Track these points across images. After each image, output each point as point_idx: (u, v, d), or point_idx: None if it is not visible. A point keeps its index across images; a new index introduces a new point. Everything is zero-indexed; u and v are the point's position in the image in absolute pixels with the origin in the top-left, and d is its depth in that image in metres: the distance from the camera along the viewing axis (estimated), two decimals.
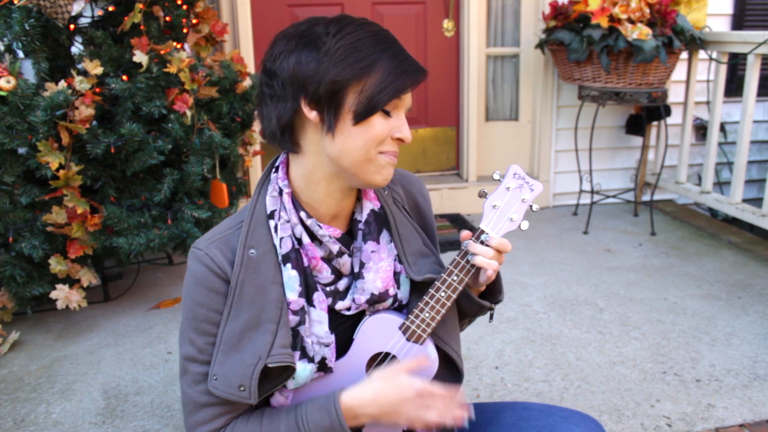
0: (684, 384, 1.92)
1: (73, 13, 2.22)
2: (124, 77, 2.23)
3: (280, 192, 1.03)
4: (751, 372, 1.97)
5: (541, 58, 3.54)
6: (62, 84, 2.05)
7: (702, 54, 3.33)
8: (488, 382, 1.94)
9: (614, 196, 3.57)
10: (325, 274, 1.05)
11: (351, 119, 0.95)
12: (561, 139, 3.67)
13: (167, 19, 2.40)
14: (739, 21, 3.69)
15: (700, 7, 3.16)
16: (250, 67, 3.17)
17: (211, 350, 1.00)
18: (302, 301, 1.01)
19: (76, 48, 2.40)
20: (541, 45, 3.34)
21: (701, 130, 3.78)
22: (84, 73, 2.22)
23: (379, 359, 1.08)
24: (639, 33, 2.90)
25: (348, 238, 1.08)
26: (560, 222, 3.46)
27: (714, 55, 3.24)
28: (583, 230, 3.29)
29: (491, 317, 1.18)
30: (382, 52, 0.95)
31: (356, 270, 1.07)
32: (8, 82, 2.00)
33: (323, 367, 1.03)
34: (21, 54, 2.23)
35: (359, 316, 1.08)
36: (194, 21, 2.57)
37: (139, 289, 2.66)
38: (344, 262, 1.06)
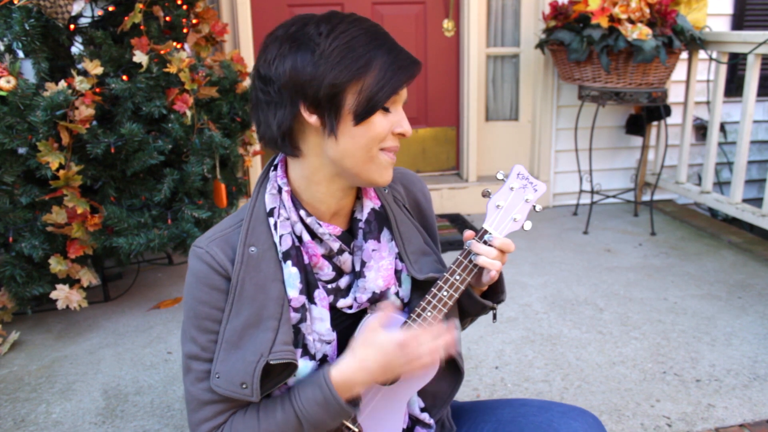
0: (684, 384, 1.92)
1: (73, 13, 2.22)
2: (124, 77, 2.23)
3: (279, 190, 1.03)
4: (751, 372, 1.97)
5: (541, 58, 3.54)
6: (62, 84, 2.05)
7: (702, 54, 3.33)
8: (488, 382, 1.95)
9: (614, 196, 3.57)
10: (326, 271, 1.05)
11: (352, 120, 0.95)
12: (561, 139, 3.67)
13: (167, 19, 2.40)
14: (739, 21, 3.69)
15: (700, 7, 3.16)
16: (250, 67, 3.16)
17: (213, 348, 1.00)
18: (303, 299, 1.01)
19: (76, 48, 2.40)
20: (541, 45, 3.34)
21: (701, 130, 3.78)
22: (84, 73, 2.22)
23: None
24: (639, 33, 2.90)
25: (348, 236, 1.08)
26: (560, 222, 3.46)
27: (714, 55, 3.24)
28: (583, 230, 3.29)
29: (494, 317, 1.18)
30: (377, 49, 0.94)
31: (357, 269, 1.07)
32: (8, 82, 2.00)
33: (325, 365, 1.03)
34: (21, 54, 2.23)
35: (361, 315, 1.08)
36: (194, 21, 2.57)
37: (139, 289, 2.66)
38: (345, 260, 1.06)
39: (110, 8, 2.34)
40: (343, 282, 1.07)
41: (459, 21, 3.54)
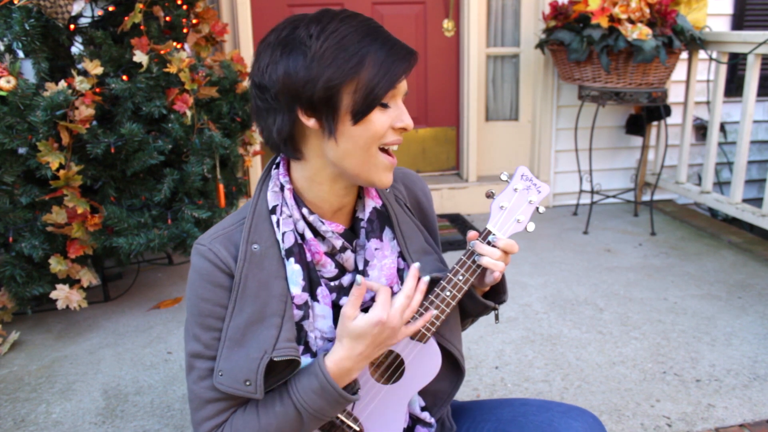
0: (684, 384, 1.92)
1: (73, 13, 2.22)
2: (124, 77, 2.23)
3: (282, 188, 1.03)
4: (751, 372, 1.97)
5: (541, 58, 3.54)
6: (62, 84, 2.05)
7: (702, 54, 3.34)
8: (488, 382, 1.94)
9: (614, 196, 3.57)
10: (328, 268, 1.05)
11: (350, 120, 0.94)
12: (561, 139, 3.67)
13: (167, 19, 2.40)
14: (739, 21, 3.69)
15: (700, 7, 3.16)
16: (250, 67, 3.17)
17: (216, 346, 1.00)
18: (306, 296, 1.02)
19: (76, 48, 2.40)
20: (541, 45, 3.34)
21: (701, 130, 3.78)
22: (84, 73, 2.22)
23: (382, 357, 1.08)
24: (639, 33, 2.90)
25: (351, 234, 1.08)
26: (560, 222, 3.46)
27: (714, 55, 3.24)
28: (583, 230, 3.29)
29: (497, 318, 1.19)
30: (370, 45, 0.93)
31: (360, 267, 1.07)
32: (8, 82, 2.00)
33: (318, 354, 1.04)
34: (21, 54, 2.23)
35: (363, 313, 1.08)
36: (194, 21, 2.57)
37: (139, 289, 2.66)
38: (347, 258, 1.07)
39: (110, 8, 2.34)
40: (346, 280, 1.07)
41: (459, 21, 3.54)
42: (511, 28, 3.59)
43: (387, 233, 1.09)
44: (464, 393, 1.87)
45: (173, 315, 2.43)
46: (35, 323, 2.38)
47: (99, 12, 2.39)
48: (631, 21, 2.95)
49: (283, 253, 1.01)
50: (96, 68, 2.14)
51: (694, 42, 3.11)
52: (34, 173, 2.11)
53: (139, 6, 2.22)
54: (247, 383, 0.96)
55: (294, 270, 1.01)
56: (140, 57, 2.20)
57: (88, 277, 2.23)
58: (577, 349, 2.13)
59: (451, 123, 3.71)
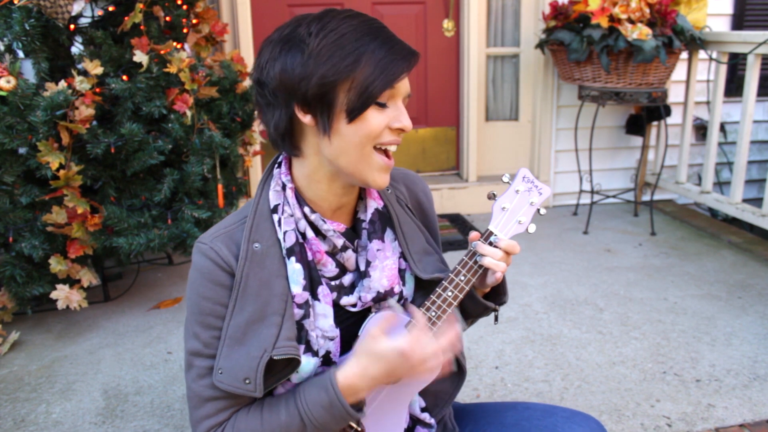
0: (684, 384, 1.92)
1: (73, 13, 2.22)
2: (124, 77, 2.23)
3: (283, 187, 1.04)
4: (751, 372, 1.97)
5: (541, 58, 3.54)
6: (62, 84, 2.05)
7: (702, 54, 3.33)
8: (488, 382, 1.94)
9: (614, 196, 3.57)
10: (329, 267, 1.06)
11: (345, 118, 0.94)
12: (561, 139, 3.67)
13: (167, 19, 2.40)
14: (739, 21, 3.69)
15: (700, 7, 3.16)
16: (250, 67, 3.16)
17: (216, 344, 1.00)
18: (306, 295, 1.02)
19: (76, 48, 2.40)
20: (541, 45, 3.34)
21: (701, 130, 3.78)
22: (84, 73, 2.22)
23: None
24: (639, 33, 2.90)
25: (352, 234, 1.09)
26: (560, 222, 3.46)
27: (714, 55, 3.24)
28: (583, 230, 3.29)
29: (496, 318, 1.19)
30: (368, 44, 0.93)
31: (362, 268, 1.07)
32: (8, 82, 2.00)
33: (327, 361, 1.04)
34: (21, 54, 2.23)
35: (365, 313, 1.08)
36: (194, 21, 2.57)
37: (139, 289, 2.66)
38: (348, 257, 1.07)
39: (110, 8, 2.34)
40: (347, 279, 1.08)
41: (459, 21, 3.54)
42: (511, 28, 3.59)
43: (389, 234, 1.10)
44: (464, 393, 1.87)
45: (173, 315, 2.43)
46: (35, 323, 2.38)
47: (99, 12, 2.39)
48: (631, 21, 2.95)
49: (284, 252, 1.02)
50: (96, 68, 2.14)
51: (694, 42, 3.11)
52: (34, 173, 2.11)
53: (140, 6, 2.22)
54: (247, 381, 0.96)
55: (295, 269, 1.01)
56: (140, 57, 2.20)
57: (88, 277, 2.23)
58: (577, 349, 2.13)
59: (451, 123, 3.71)
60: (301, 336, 1.01)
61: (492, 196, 1.08)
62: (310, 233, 1.03)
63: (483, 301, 1.12)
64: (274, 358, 0.96)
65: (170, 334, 2.27)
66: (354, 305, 1.07)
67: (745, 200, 3.16)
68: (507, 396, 1.87)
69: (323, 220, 1.03)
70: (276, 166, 1.07)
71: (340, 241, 1.05)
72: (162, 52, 2.26)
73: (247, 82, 2.59)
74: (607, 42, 2.95)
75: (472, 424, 1.19)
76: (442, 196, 3.57)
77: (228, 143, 2.38)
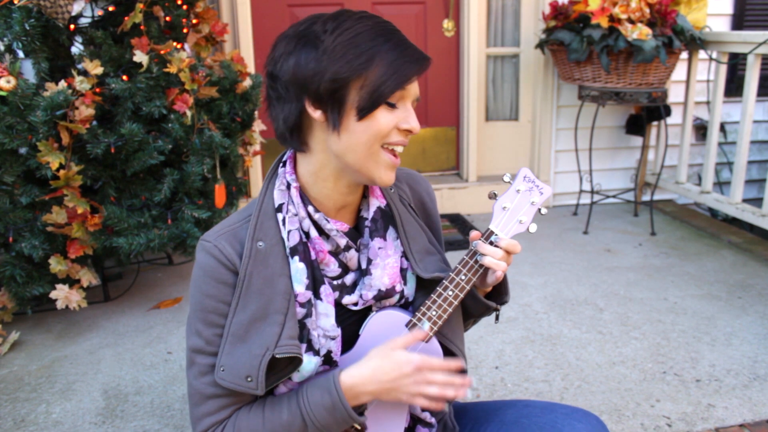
0: (684, 384, 1.92)
1: (73, 13, 2.22)
2: (124, 77, 2.23)
3: (288, 186, 1.04)
4: (751, 372, 1.97)
5: (541, 58, 3.54)
6: (62, 84, 2.05)
7: (702, 54, 3.34)
8: (488, 382, 1.94)
9: (614, 196, 3.57)
10: (332, 267, 1.06)
11: (355, 115, 0.95)
12: (561, 139, 3.67)
13: (167, 19, 2.40)
14: (739, 21, 3.69)
15: (700, 7, 3.16)
16: (250, 67, 3.17)
17: (218, 342, 1.01)
18: (309, 294, 1.02)
19: (76, 48, 2.40)
20: (541, 45, 3.34)
21: (701, 130, 3.78)
22: (84, 73, 2.22)
23: None
24: (639, 33, 2.90)
25: (355, 233, 1.09)
26: (560, 222, 3.46)
27: (714, 55, 3.24)
28: (583, 230, 3.29)
29: (497, 318, 1.19)
30: (382, 45, 0.95)
31: (364, 266, 1.08)
32: (8, 82, 2.00)
33: (328, 360, 1.04)
34: (21, 54, 2.23)
35: (366, 312, 1.09)
36: (194, 21, 2.57)
37: (139, 289, 2.66)
38: (351, 257, 1.07)
39: (110, 8, 2.34)
40: (349, 279, 1.08)
41: (459, 21, 3.54)
42: (511, 28, 3.59)
43: (391, 233, 1.10)
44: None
45: (173, 315, 2.43)
46: (35, 323, 2.38)
47: (99, 12, 2.39)
48: (631, 21, 2.95)
49: (287, 251, 1.02)
50: (96, 68, 2.14)
51: (694, 42, 3.11)
52: (34, 173, 2.11)
53: (140, 6, 2.22)
54: (249, 379, 0.97)
55: (298, 268, 1.01)
56: (140, 57, 2.20)
57: (88, 277, 2.23)
58: (577, 349, 2.13)
59: (451, 123, 3.71)
60: (303, 335, 1.02)
61: (493, 196, 1.08)
62: (313, 232, 1.03)
63: (484, 300, 1.13)
64: (277, 356, 0.97)
65: (170, 334, 2.27)
66: (355, 304, 1.07)
67: (745, 200, 3.16)
68: (507, 396, 1.87)
69: (327, 220, 1.04)
70: (281, 165, 1.07)
71: (343, 241, 1.05)
72: (162, 52, 2.26)
73: (247, 82, 2.59)
74: (607, 42, 2.95)
75: (472, 423, 1.19)
76: (442, 196, 3.57)
77: (228, 143, 2.38)
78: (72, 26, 2.30)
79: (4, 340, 2.19)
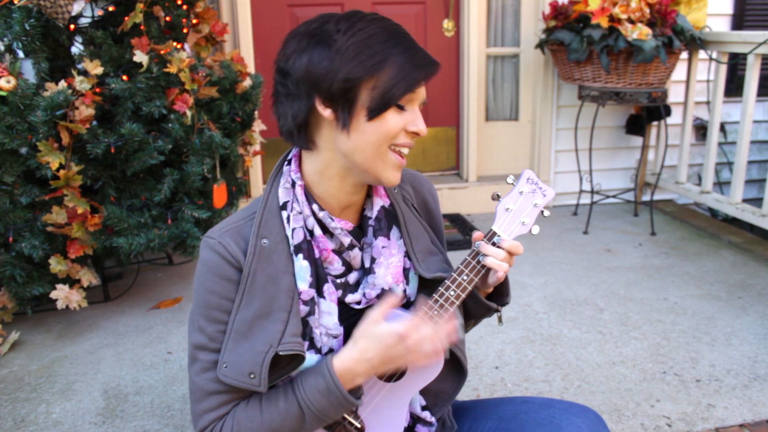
0: (684, 384, 1.92)
1: (73, 13, 2.22)
2: (124, 77, 2.23)
3: (293, 184, 1.05)
4: (751, 372, 1.97)
5: (541, 58, 3.54)
6: (62, 84, 2.05)
7: (702, 54, 3.34)
8: (488, 382, 1.95)
9: (614, 196, 3.57)
10: (335, 265, 1.07)
11: (365, 115, 0.96)
12: (561, 139, 3.67)
13: (167, 19, 2.40)
14: (739, 21, 3.69)
15: (700, 7, 3.16)
16: (250, 67, 3.17)
17: (221, 338, 1.01)
18: (312, 292, 1.03)
19: (76, 48, 2.40)
20: (541, 45, 3.34)
21: (701, 130, 3.78)
22: (84, 73, 2.22)
23: None
24: (639, 33, 2.90)
25: (359, 232, 1.10)
26: (560, 222, 3.46)
27: (714, 55, 3.24)
28: (583, 230, 3.29)
29: (500, 319, 1.19)
30: (394, 47, 0.95)
31: (367, 265, 1.08)
32: (8, 82, 2.00)
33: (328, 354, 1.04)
34: (21, 54, 2.23)
35: (368, 311, 1.09)
36: (194, 21, 2.57)
37: (139, 289, 2.66)
38: (355, 255, 1.08)
39: (110, 8, 2.34)
40: (352, 277, 1.09)
41: (459, 21, 3.54)
42: (511, 28, 3.59)
43: (394, 232, 1.11)
44: (464, 393, 1.87)
45: (173, 315, 2.43)
46: (35, 323, 2.38)
47: (99, 12, 2.39)
48: (631, 21, 2.95)
49: (291, 248, 1.03)
50: (96, 68, 2.14)
51: (694, 42, 3.11)
52: (34, 173, 2.11)
53: (140, 6, 2.22)
54: (252, 376, 0.97)
55: (302, 266, 1.02)
56: (140, 57, 2.20)
57: (88, 277, 2.23)
58: (577, 349, 2.13)
59: (451, 123, 3.71)
60: (306, 333, 1.03)
61: (496, 197, 1.09)
62: (317, 231, 1.04)
63: (485, 301, 1.13)
64: (280, 353, 0.97)
65: (170, 334, 2.27)
66: (358, 302, 1.08)
67: (745, 200, 3.16)
68: (507, 396, 1.87)
69: (331, 218, 1.04)
70: (286, 163, 1.08)
71: (347, 240, 1.06)
72: (162, 52, 2.26)
73: (247, 82, 2.59)
74: (607, 42, 2.95)
75: (470, 420, 1.19)
76: (442, 196, 3.57)
77: (228, 143, 2.38)
78: (72, 26, 2.30)
79: (4, 340, 2.19)
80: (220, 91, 2.46)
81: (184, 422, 1.78)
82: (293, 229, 1.03)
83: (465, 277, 1.05)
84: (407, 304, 1.12)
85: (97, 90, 2.16)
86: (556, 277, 2.71)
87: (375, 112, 0.96)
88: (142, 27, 2.25)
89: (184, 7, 2.46)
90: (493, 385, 1.93)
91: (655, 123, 3.61)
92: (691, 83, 3.38)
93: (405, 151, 1.02)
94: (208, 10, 2.62)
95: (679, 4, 3.15)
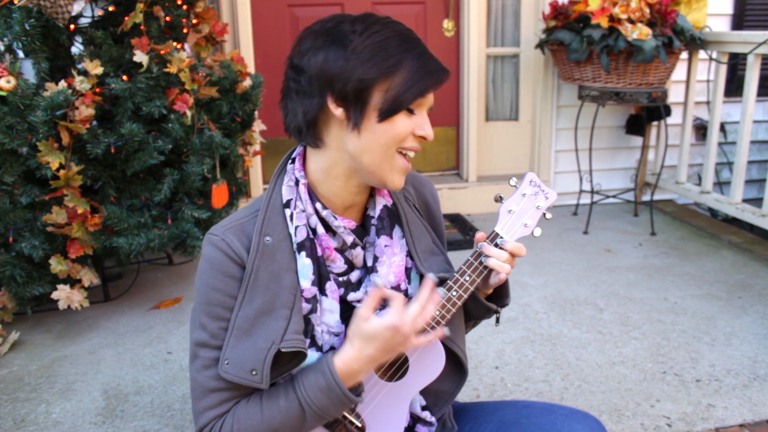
0: (684, 384, 1.92)
1: (73, 13, 2.22)
2: (125, 77, 2.23)
3: (296, 182, 1.05)
4: (751, 372, 1.97)
5: (541, 58, 3.54)
6: (62, 84, 2.05)
7: (702, 54, 3.34)
8: (488, 382, 1.95)
9: (614, 196, 3.57)
10: (338, 264, 1.07)
11: (376, 117, 0.97)
12: (561, 139, 3.67)
13: (167, 19, 2.40)
14: (739, 21, 3.69)
15: (700, 7, 3.17)
16: (250, 67, 3.17)
17: (222, 335, 1.01)
18: (315, 290, 1.03)
19: (76, 48, 2.40)
20: (541, 45, 3.34)
21: (701, 130, 3.78)
22: (84, 73, 2.22)
23: None
24: (639, 33, 2.90)
25: (361, 231, 1.10)
26: (560, 222, 3.46)
27: (714, 55, 3.24)
28: (583, 230, 3.29)
29: (497, 320, 1.20)
30: (408, 52, 0.97)
31: (370, 264, 1.09)
32: (8, 82, 2.00)
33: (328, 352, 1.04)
34: (21, 54, 2.23)
35: None
36: (194, 21, 2.57)
37: (139, 289, 2.66)
38: (357, 254, 1.08)
39: (110, 8, 2.34)
40: (354, 276, 1.09)
41: (459, 21, 3.54)
42: (511, 28, 3.59)
43: (397, 231, 1.11)
44: (464, 393, 1.87)
45: (173, 315, 2.43)
46: (35, 323, 2.38)
47: (99, 12, 2.39)
48: (631, 21, 2.95)
49: (294, 246, 1.03)
50: (96, 68, 2.14)
51: (694, 42, 3.11)
52: (34, 173, 2.11)
53: (140, 6, 2.22)
54: (254, 373, 0.97)
55: (305, 264, 1.03)
56: (140, 57, 2.20)
57: (89, 277, 2.23)
58: (577, 349, 2.13)
59: (451, 123, 3.71)
60: (307, 330, 1.03)
61: (499, 199, 1.10)
62: (320, 229, 1.05)
63: (485, 302, 1.13)
64: (282, 350, 0.98)
65: (170, 334, 2.27)
66: (360, 301, 1.08)
67: (745, 200, 3.16)
68: (507, 396, 1.87)
69: (334, 217, 1.05)
70: (290, 161, 1.08)
71: (350, 238, 1.06)
72: (162, 52, 2.26)
73: (247, 82, 2.59)
74: (607, 42, 2.95)
75: (471, 423, 1.19)
76: (443, 196, 3.57)
77: (228, 143, 2.38)
78: (72, 26, 2.30)
79: (4, 340, 2.19)
80: (220, 91, 2.46)
81: (184, 422, 1.78)
82: (296, 227, 1.03)
83: (467, 278, 1.06)
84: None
85: (97, 90, 2.16)
86: (556, 277, 2.71)
87: (386, 114, 0.97)
88: (142, 27, 2.25)
89: (184, 7, 2.46)
90: (493, 385, 1.93)
91: (655, 123, 3.61)
92: (691, 83, 3.38)
93: (411, 154, 1.03)
94: (208, 10, 2.62)
95: (679, 4, 3.15)
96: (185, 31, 2.48)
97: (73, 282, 2.25)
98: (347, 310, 1.07)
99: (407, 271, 1.11)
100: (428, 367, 1.08)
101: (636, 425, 1.73)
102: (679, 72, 3.42)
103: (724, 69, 3.16)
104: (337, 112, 0.98)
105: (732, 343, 2.15)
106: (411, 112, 0.99)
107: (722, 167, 3.91)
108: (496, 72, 3.66)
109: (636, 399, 1.85)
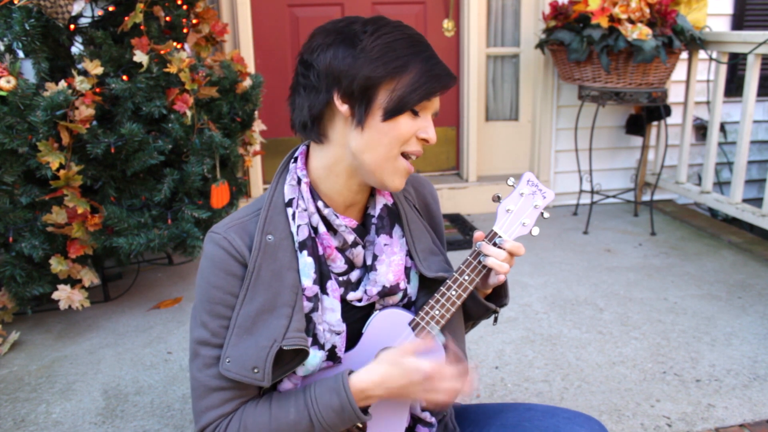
0: (684, 384, 1.92)
1: (73, 13, 2.22)
2: (125, 77, 2.23)
3: (299, 181, 1.06)
4: (751, 372, 1.97)
5: (541, 58, 3.54)
6: (62, 84, 2.05)
7: (702, 54, 3.34)
8: (488, 382, 1.95)
9: (614, 196, 3.57)
10: (338, 263, 1.08)
11: (380, 115, 0.98)
12: (561, 139, 3.67)
13: (167, 19, 2.40)
14: (739, 21, 3.69)
15: (700, 7, 3.17)
16: (250, 67, 3.17)
17: (223, 333, 1.02)
18: (316, 288, 1.04)
19: (76, 48, 2.40)
20: (541, 45, 3.34)
21: (701, 130, 3.78)
22: (84, 73, 2.22)
23: None
24: (639, 33, 2.90)
25: (362, 230, 1.11)
26: (560, 222, 3.46)
27: (714, 55, 3.24)
28: (583, 230, 3.29)
29: (496, 320, 1.20)
30: (416, 55, 0.99)
31: (369, 262, 1.09)
32: (8, 82, 2.00)
33: (332, 356, 1.05)
34: (21, 54, 2.23)
35: (369, 310, 1.10)
36: (194, 21, 2.57)
37: (139, 289, 2.66)
38: (357, 253, 1.09)
39: (110, 8, 2.34)
40: (354, 275, 1.10)
41: (459, 21, 3.54)
42: (511, 28, 3.59)
43: (396, 230, 1.12)
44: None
45: (173, 315, 2.43)
46: (35, 323, 2.38)
47: (99, 12, 2.39)
48: (631, 21, 2.95)
49: (296, 245, 1.04)
50: (96, 68, 2.14)
51: (694, 42, 3.11)
52: (34, 173, 2.11)
53: (140, 6, 2.22)
54: (255, 370, 0.98)
55: (306, 262, 1.03)
56: (140, 57, 2.20)
57: (89, 277, 2.23)
58: (577, 349, 2.13)
59: (451, 123, 3.71)
60: (309, 329, 1.03)
61: (497, 199, 1.11)
62: (322, 228, 1.05)
63: (484, 302, 1.14)
64: (284, 348, 0.98)
65: (170, 334, 2.27)
66: (359, 300, 1.08)
67: (745, 200, 3.16)
68: (507, 396, 1.87)
69: (336, 215, 1.06)
70: (292, 161, 1.09)
71: (350, 237, 1.07)
72: (162, 52, 2.26)
73: (247, 82, 2.59)
74: (607, 42, 2.95)
75: (473, 425, 1.19)
76: (442, 196, 3.57)
77: (228, 143, 2.39)
78: (72, 26, 2.30)
79: (4, 340, 2.19)
80: (220, 91, 2.46)
81: (184, 422, 1.78)
82: (298, 226, 1.04)
83: (466, 277, 1.06)
84: (408, 304, 1.12)
85: (97, 90, 2.16)
86: (556, 277, 2.71)
87: (391, 113, 0.98)
88: (142, 27, 2.25)
89: (184, 7, 2.46)
90: (493, 385, 1.93)
91: (655, 123, 3.61)
92: (691, 83, 3.38)
93: (413, 158, 1.04)
94: (208, 10, 2.62)
95: (679, 4, 3.15)
96: (185, 31, 2.48)
97: (73, 282, 2.25)
98: (347, 310, 1.08)
99: (407, 270, 1.11)
100: (427, 351, 1.09)
101: (636, 425, 1.73)
102: (679, 72, 3.42)
103: (724, 69, 3.16)
104: (343, 108, 0.99)
105: (732, 343, 2.15)
106: (415, 114, 1.00)
107: (722, 167, 3.91)
108: (496, 72, 3.66)
109: (636, 399, 1.85)
